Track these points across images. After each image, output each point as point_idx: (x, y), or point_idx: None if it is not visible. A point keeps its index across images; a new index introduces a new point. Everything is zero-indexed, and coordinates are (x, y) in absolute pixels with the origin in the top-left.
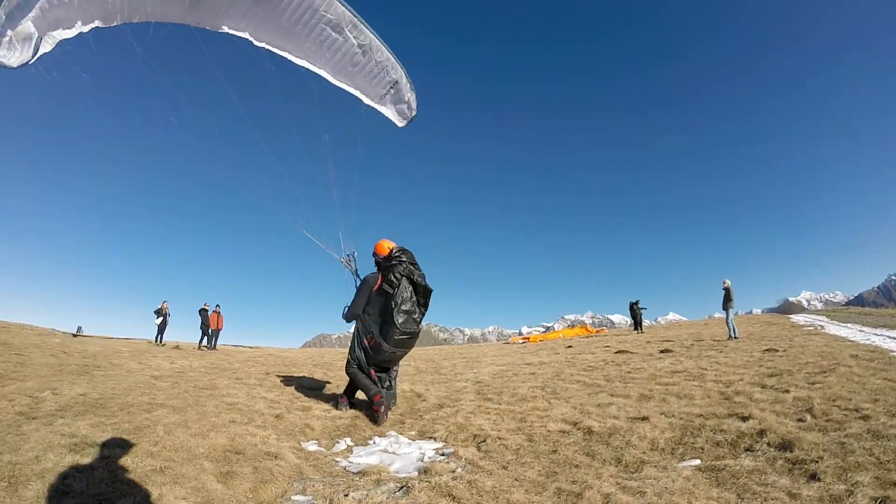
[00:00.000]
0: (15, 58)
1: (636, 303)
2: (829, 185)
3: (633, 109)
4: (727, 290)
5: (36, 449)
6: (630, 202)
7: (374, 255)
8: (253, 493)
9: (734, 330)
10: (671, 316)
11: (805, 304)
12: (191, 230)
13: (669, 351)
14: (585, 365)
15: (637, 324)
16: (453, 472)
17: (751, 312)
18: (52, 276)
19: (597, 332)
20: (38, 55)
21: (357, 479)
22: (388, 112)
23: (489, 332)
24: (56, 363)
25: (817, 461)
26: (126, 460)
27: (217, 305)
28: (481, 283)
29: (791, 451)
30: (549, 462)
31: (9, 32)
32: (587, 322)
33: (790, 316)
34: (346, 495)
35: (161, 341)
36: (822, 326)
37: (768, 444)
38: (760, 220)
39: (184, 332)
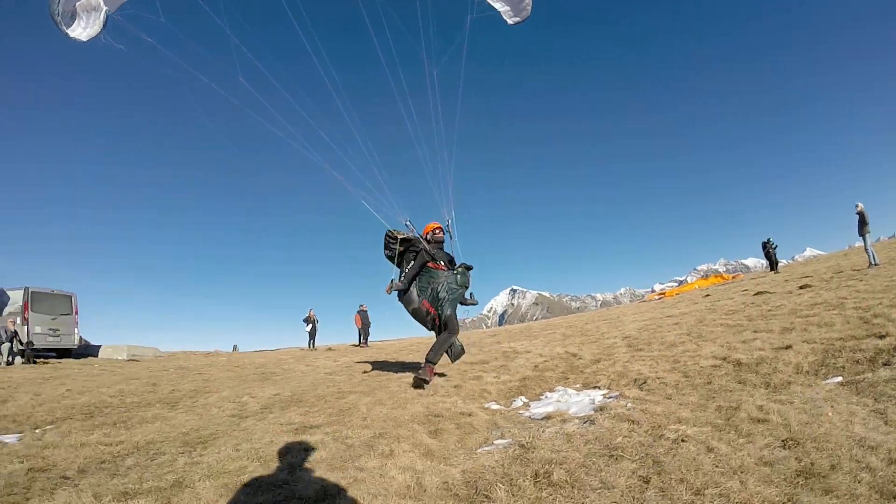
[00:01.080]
0: (84, 31)
1: (768, 241)
2: None
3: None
4: (861, 214)
5: (266, 436)
6: (749, 129)
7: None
8: (461, 442)
9: (874, 256)
10: (808, 252)
11: None
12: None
13: (808, 286)
14: (726, 309)
15: (773, 264)
16: (625, 406)
17: (893, 237)
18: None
19: (732, 278)
20: (104, 27)
21: (544, 422)
22: (501, 5)
23: (621, 294)
24: (235, 376)
25: None
26: (347, 433)
27: (361, 305)
28: (606, 245)
29: None
30: (706, 390)
31: (76, 4)
32: (721, 270)
33: None
34: (542, 432)
35: (314, 346)
36: None
37: None
38: (889, 138)
39: (331, 335)
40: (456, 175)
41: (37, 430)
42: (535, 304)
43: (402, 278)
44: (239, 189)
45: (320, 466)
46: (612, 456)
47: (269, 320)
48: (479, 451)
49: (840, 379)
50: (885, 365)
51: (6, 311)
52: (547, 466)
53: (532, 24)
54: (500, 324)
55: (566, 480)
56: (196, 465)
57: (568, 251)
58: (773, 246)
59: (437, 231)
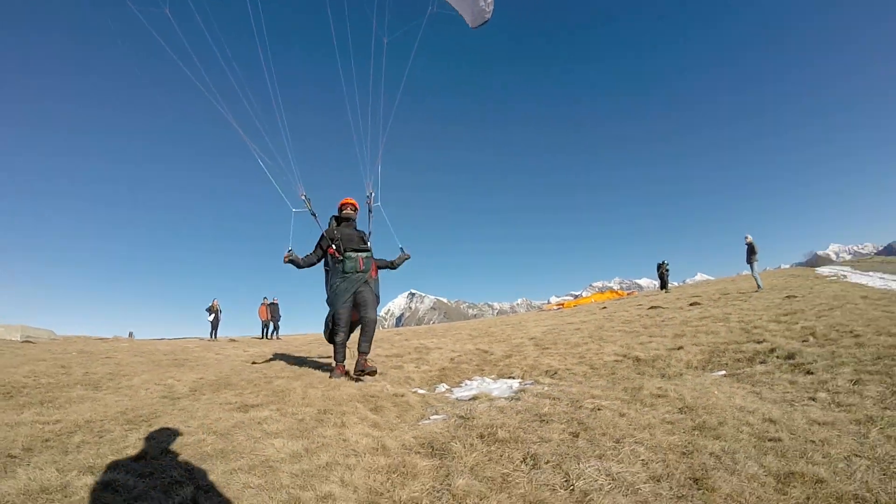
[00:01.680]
0: None
1: (663, 263)
2: (854, 132)
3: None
4: (750, 245)
5: (210, 414)
6: (651, 164)
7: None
8: (400, 417)
9: (759, 282)
10: (699, 276)
11: (834, 256)
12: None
13: (698, 304)
14: (623, 319)
15: (664, 284)
16: (542, 389)
17: (778, 267)
18: (67, 281)
19: (627, 294)
20: None
21: (472, 402)
22: (464, 7)
23: (518, 304)
24: (147, 361)
25: (812, 363)
26: (292, 410)
27: (265, 298)
28: (505, 257)
29: (793, 360)
30: (611, 378)
31: None
32: (615, 287)
33: (816, 268)
34: (476, 407)
35: (216, 336)
36: (845, 276)
37: (777, 357)
38: (784, 174)
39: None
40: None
41: None
42: (433, 308)
43: (304, 259)
44: (131, 175)
45: (281, 436)
46: (543, 420)
47: (163, 309)
48: (420, 423)
49: (724, 372)
50: (761, 363)
51: None
52: (489, 430)
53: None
54: (398, 326)
55: (509, 438)
56: (151, 441)
57: (467, 259)
58: (667, 267)
59: (346, 207)
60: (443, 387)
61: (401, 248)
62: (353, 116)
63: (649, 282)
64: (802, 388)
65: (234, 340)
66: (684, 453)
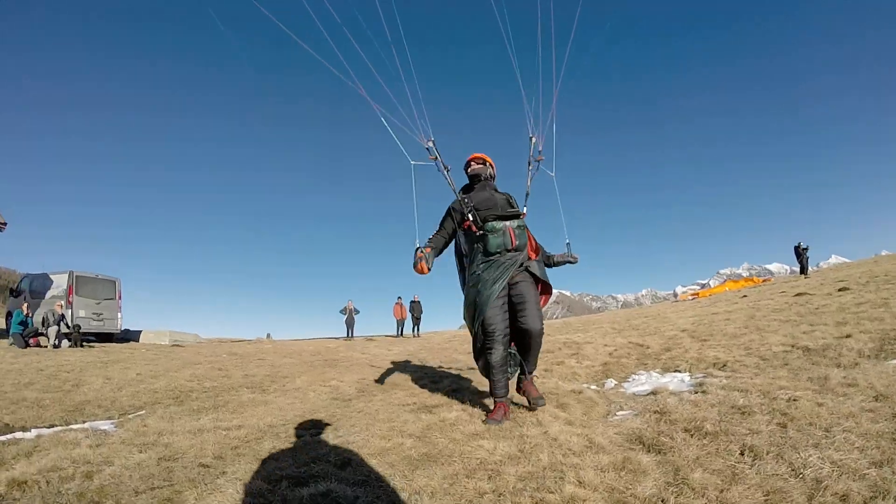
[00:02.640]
0: None
1: (800, 245)
2: None
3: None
4: None
5: (395, 416)
6: (773, 135)
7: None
8: (587, 414)
9: None
10: (833, 259)
11: None
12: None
13: (847, 289)
14: (771, 308)
15: (804, 268)
16: (723, 381)
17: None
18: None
19: (763, 281)
20: None
21: (653, 397)
22: None
23: (643, 295)
24: (299, 362)
25: None
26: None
27: (399, 297)
28: (626, 247)
29: None
30: (787, 369)
31: None
32: (744, 274)
33: None
34: (665, 401)
35: (352, 336)
36: None
37: None
38: None
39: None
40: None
41: (130, 416)
42: (556, 302)
43: (429, 243)
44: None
45: (484, 436)
46: (744, 412)
47: (297, 311)
48: (610, 419)
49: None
50: None
51: (49, 294)
52: (693, 423)
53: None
54: None
55: (718, 430)
56: (347, 445)
57: (587, 249)
58: (806, 249)
59: (473, 162)
60: (611, 382)
61: (566, 245)
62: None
63: (781, 267)
64: None
65: (371, 339)
66: (894, 439)
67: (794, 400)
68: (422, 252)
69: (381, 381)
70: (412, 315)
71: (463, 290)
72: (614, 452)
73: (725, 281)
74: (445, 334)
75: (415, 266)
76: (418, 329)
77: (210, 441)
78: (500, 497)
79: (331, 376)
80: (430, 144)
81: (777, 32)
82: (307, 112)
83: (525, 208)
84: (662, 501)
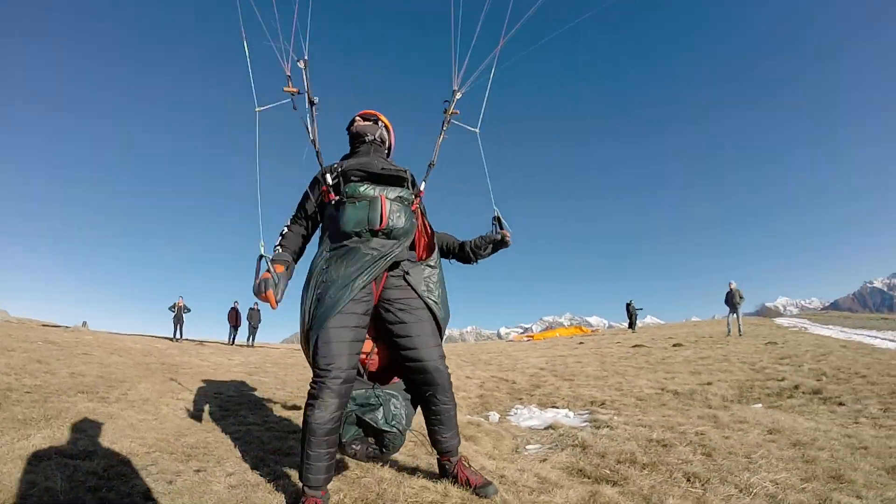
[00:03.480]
0: None
1: (631, 303)
2: (805, 192)
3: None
4: (735, 291)
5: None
6: (603, 207)
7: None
8: (496, 448)
9: (740, 328)
10: (648, 319)
11: (782, 309)
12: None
13: (681, 345)
14: (617, 356)
15: (632, 324)
16: (616, 418)
17: (726, 316)
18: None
19: (592, 331)
20: None
21: (552, 431)
22: None
23: (467, 332)
24: (131, 363)
25: (839, 397)
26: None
27: (235, 301)
28: (454, 282)
29: (821, 395)
30: (664, 410)
31: None
32: (565, 323)
33: (774, 319)
34: (576, 436)
35: (180, 337)
36: (806, 328)
37: (803, 393)
38: (738, 226)
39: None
40: None
41: None
42: None
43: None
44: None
45: (422, 475)
46: (664, 445)
47: (118, 301)
48: (525, 453)
49: (761, 405)
50: (790, 397)
51: None
52: (624, 455)
53: None
54: None
55: (654, 461)
56: (257, 488)
57: None
58: (637, 308)
59: (359, 118)
60: (495, 415)
61: (495, 220)
62: None
63: (599, 320)
64: (843, 416)
65: (203, 344)
66: (807, 461)
67: (702, 434)
68: (269, 270)
69: (243, 397)
70: (249, 323)
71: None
72: (575, 487)
73: (547, 327)
74: (281, 348)
75: (257, 292)
76: (253, 339)
77: (57, 478)
78: None
79: (179, 386)
80: (301, 65)
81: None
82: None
83: (424, 184)
84: None
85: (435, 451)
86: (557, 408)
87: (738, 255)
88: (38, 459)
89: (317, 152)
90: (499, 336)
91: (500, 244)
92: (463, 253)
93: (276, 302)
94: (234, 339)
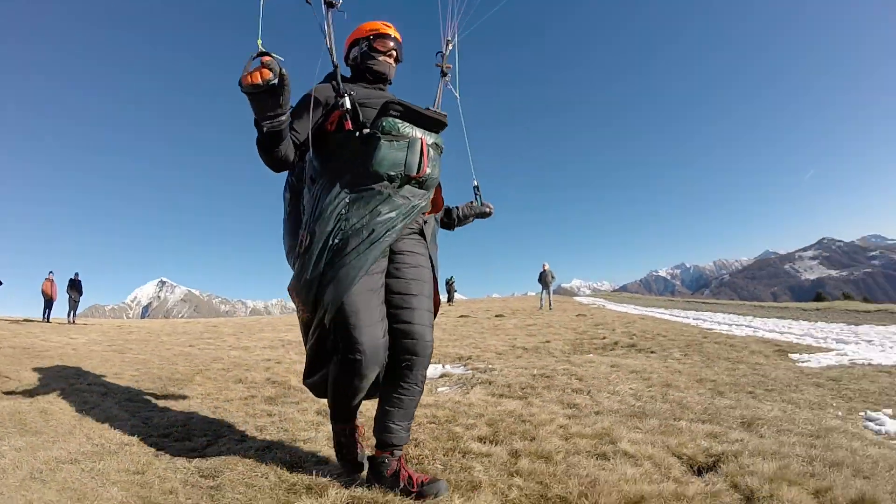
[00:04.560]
0: None
1: (451, 279)
2: (598, 182)
3: None
4: (548, 271)
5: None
6: None
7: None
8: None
9: (550, 303)
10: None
11: (576, 289)
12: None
13: (502, 315)
14: (453, 324)
15: (450, 297)
16: (492, 366)
17: (525, 294)
18: None
19: None
20: None
21: (446, 378)
22: None
23: (273, 304)
24: None
25: (650, 349)
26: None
27: (50, 272)
28: (254, 253)
29: (636, 347)
30: (524, 359)
31: None
32: None
33: (574, 297)
34: (477, 376)
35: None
36: (604, 305)
37: (622, 346)
38: (536, 213)
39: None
40: None
41: None
42: (184, 300)
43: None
44: None
45: None
46: (546, 376)
47: None
48: (441, 392)
49: (593, 355)
50: (611, 350)
51: None
52: (523, 384)
53: None
54: (143, 316)
55: (546, 386)
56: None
57: (221, 249)
58: (454, 282)
59: (376, 37)
60: None
61: (475, 189)
62: None
63: None
64: (657, 359)
65: (23, 322)
66: (645, 379)
67: (567, 370)
68: (272, 56)
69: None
70: (70, 297)
71: (299, 249)
72: (509, 402)
73: None
74: (104, 323)
75: (243, 78)
76: (74, 313)
77: None
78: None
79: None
80: None
81: None
82: None
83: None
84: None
85: (371, 446)
86: (434, 363)
87: (537, 237)
88: None
89: (334, 65)
90: None
91: (482, 216)
92: (448, 218)
93: (271, 75)
94: (48, 314)
